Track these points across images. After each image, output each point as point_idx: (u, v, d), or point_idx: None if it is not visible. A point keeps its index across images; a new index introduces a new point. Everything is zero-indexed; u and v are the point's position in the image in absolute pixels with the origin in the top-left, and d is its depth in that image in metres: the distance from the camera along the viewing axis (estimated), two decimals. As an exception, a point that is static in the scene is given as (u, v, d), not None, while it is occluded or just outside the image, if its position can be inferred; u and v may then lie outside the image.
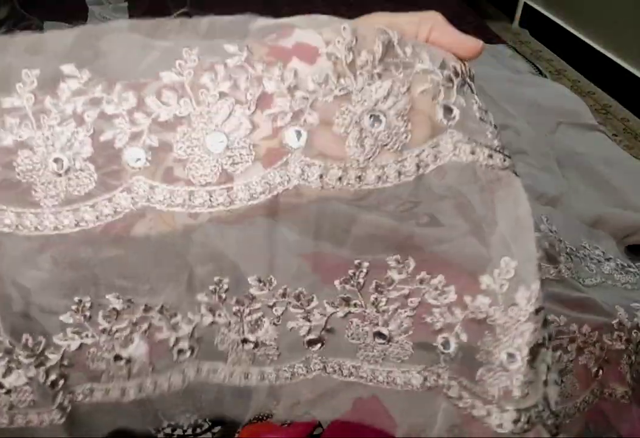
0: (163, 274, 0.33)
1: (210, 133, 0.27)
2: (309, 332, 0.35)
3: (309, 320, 0.35)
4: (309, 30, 0.28)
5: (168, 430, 0.50)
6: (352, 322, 0.35)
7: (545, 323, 0.32)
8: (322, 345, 0.36)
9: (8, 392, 0.35)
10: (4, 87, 0.27)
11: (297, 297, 0.35)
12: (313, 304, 0.35)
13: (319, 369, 0.37)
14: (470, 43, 0.29)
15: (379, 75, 0.28)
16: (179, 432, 0.50)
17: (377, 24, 0.28)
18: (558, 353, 0.47)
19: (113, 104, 0.27)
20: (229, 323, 0.35)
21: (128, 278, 0.33)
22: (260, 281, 0.34)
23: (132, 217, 0.30)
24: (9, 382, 0.34)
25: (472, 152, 0.29)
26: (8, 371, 0.34)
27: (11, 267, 0.31)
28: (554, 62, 1.76)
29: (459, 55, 0.30)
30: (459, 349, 0.34)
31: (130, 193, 0.28)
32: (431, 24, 0.29)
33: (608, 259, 0.65)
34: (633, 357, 0.50)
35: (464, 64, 0.30)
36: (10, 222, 0.28)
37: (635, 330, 0.50)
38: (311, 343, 0.36)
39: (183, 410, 0.42)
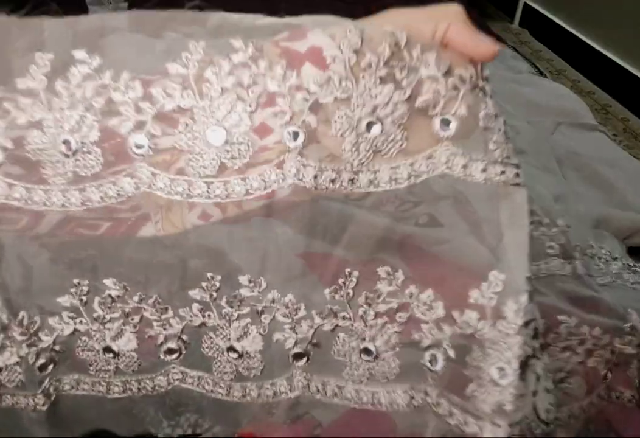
0: (159, 264, 0.34)
1: (211, 127, 0.28)
2: (295, 344, 0.36)
3: (296, 332, 0.35)
4: (321, 34, 0.27)
5: (168, 430, 0.50)
6: (339, 337, 0.36)
7: (537, 334, 0.32)
8: (308, 360, 0.36)
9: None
10: (20, 68, 0.28)
11: (286, 305, 0.35)
12: (301, 314, 0.35)
13: (302, 387, 0.37)
14: (483, 48, 0.28)
15: (382, 79, 0.28)
16: (178, 431, 0.50)
17: (394, 21, 0.28)
18: (567, 354, 0.47)
19: (120, 91, 0.28)
20: (217, 326, 0.36)
21: (126, 265, 0.34)
22: (250, 282, 0.34)
23: (138, 219, 0.31)
24: (2, 360, 0.35)
25: (464, 166, 0.29)
26: (2, 348, 0.35)
27: (17, 241, 0.32)
28: (554, 62, 1.76)
29: (471, 57, 0.29)
30: (447, 366, 0.34)
31: (134, 178, 0.29)
32: (449, 22, 0.28)
33: (615, 258, 0.64)
34: (643, 362, 0.49)
35: (475, 68, 0.29)
36: (20, 196, 0.29)
37: None
38: (297, 357, 0.36)
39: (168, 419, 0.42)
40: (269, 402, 0.39)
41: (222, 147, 0.28)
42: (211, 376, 0.38)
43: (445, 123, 0.29)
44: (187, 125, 0.28)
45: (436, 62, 0.28)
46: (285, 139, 0.28)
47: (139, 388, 0.38)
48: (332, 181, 0.29)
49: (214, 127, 0.28)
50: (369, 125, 0.28)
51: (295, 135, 0.28)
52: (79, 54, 0.28)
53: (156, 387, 0.38)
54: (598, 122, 1.09)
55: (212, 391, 0.38)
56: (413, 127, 0.29)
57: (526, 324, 0.31)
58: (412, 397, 0.36)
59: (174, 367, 0.38)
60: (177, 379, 0.38)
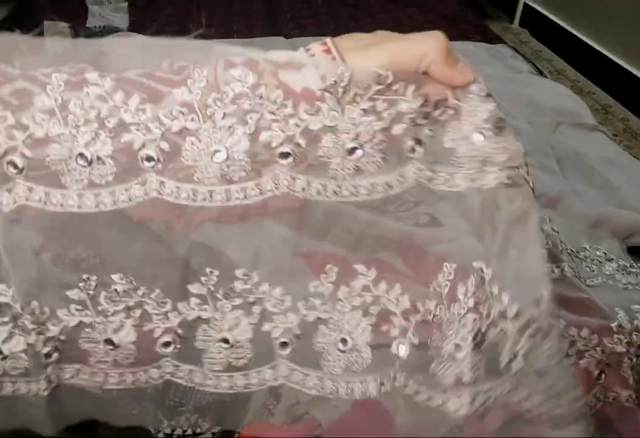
0: (163, 259, 0.37)
1: (213, 146, 0.32)
2: (281, 334, 0.39)
3: (283, 322, 0.39)
4: (314, 72, 0.31)
5: (168, 430, 0.50)
6: (319, 330, 0.39)
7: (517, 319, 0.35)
8: (292, 350, 0.40)
9: (4, 358, 0.38)
10: (37, 86, 0.31)
11: (275, 297, 0.39)
12: (287, 305, 0.39)
13: (284, 376, 0.40)
14: (459, 81, 0.33)
15: (365, 111, 0.32)
16: (178, 432, 0.50)
17: (380, 54, 0.32)
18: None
19: (130, 113, 0.31)
20: (211, 318, 0.39)
21: (133, 260, 0.37)
22: (245, 275, 0.38)
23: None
24: (8, 347, 0.38)
25: (429, 180, 0.34)
26: (9, 337, 0.38)
27: (34, 237, 0.35)
28: (554, 62, 1.76)
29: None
30: (412, 352, 0.38)
31: (144, 185, 0.33)
32: (431, 60, 0.32)
33: (610, 260, 0.65)
34: (634, 360, 0.49)
35: (453, 91, 0.33)
36: (39, 198, 0.33)
37: (635, 333, 0.49)
38: (282, 346, 0.40)
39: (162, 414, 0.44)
40: (268, 402, 0.42)
41: (224, 163, 0.32)
42: (201, 369, 0.40)
43: (417, 143, 0.33)
44: (192, 143, 0.32)
45: (414, 97, 0.32)
46: (279, 158, 0.33)
47: (133, 381, 0.40)
48: (318, 192, 0.34)
49: (216, 147, 0.32)
50: (352, 150, 0.33)
51: (287, 155, 0.33)
52: (91, 76, 0.31)
53: (149, 380, 0.41)
54: (598, 122, 1.09)
55: (201, 384, 0.41)
56: (387, 151, 0.33)
57: (476, 305, 0.35)
58: (382, 384, 0.39)
59: (167, 361, 0.40)
60: (169, 373, 0.40)
